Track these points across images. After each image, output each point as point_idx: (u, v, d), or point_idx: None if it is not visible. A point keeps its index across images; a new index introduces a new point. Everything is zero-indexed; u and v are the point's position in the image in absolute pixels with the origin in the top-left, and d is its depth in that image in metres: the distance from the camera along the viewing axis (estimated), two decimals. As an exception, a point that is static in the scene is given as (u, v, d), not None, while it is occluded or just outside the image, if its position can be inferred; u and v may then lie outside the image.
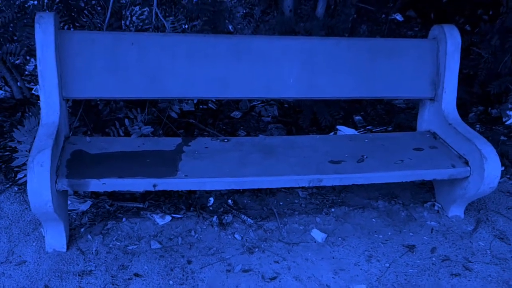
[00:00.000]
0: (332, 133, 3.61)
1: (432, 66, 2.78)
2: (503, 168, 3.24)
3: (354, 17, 4.10)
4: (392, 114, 4.10)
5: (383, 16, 5.09)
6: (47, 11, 3.07)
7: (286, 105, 4.09)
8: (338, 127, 3.67)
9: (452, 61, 2.73)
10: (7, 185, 2.77)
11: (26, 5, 3.12)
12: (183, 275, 2.21)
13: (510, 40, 3.56)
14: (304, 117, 3.63)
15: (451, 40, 2.71)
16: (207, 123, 3.65)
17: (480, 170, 2.43)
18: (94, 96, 2.54)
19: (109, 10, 2.83)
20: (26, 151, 2.59)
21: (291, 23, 3.37)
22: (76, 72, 2.41)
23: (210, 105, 3.94)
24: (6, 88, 3.71)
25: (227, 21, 3.47)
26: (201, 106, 3.90)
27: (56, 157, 2.21)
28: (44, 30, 2.29)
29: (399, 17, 5.94)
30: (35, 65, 2.32)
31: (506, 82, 3.66)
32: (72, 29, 3.10)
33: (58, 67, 2.34)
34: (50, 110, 2.35)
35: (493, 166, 2.41)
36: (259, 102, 4.07)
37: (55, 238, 2.28)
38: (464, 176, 2.51)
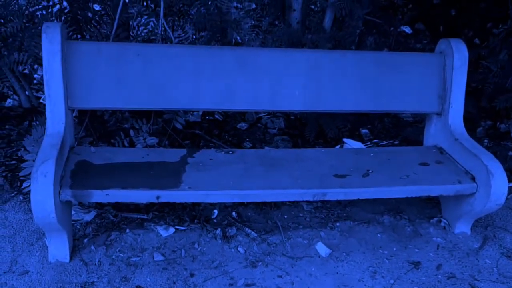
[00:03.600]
0: (338, 146, 3.59)
1: (439, 81, 2.76)
2: (511, 185, 3.21)
3: (362, 29, 4.10)
4: (399, 127, 4.07)
5: (392, 29, 5.08)
6: (55, 21, 3.09)
7: (292, 117, 4.08)
8: (344, 140, 3.65)
9: (459, 75, 2.71)
10: (13, 194, 2.78)
11: (35, 15, 3.15)
12: (185, 288, 2.20)
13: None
14: (310, 129, 3.62)
15: (458, 54, 2.69)
16: (213, 134, 3.65)
17: (486, 186, 2.40)
18: (99, 107, 2.55)
19: (116, 21, 2.84)
20: (33, 160, 2.60)
21: (298, 35, 3.36)
22: (82, 82, 2.42)
23: (216, 116, 3.94)
24: (15, 97, 3.73)
25: (234, 32, 3.47)
26: (207, 117, 3.90)
27: (61, 167, 2.21)
28: (51, 40, 2.31)
29: (407, 29, 5.93)
30: (43, 74, 2.34)
31: (513, 97, 3.63)
32: (80, 39, 3.12)
33: (64, 77, 2.36)
34: (56, 120, 2.36)
35: (499, 183, 2.38)
36: (266, 113, 4.06)
37: (58, 248, 2.28)
38: (471, 192, 2.48)
